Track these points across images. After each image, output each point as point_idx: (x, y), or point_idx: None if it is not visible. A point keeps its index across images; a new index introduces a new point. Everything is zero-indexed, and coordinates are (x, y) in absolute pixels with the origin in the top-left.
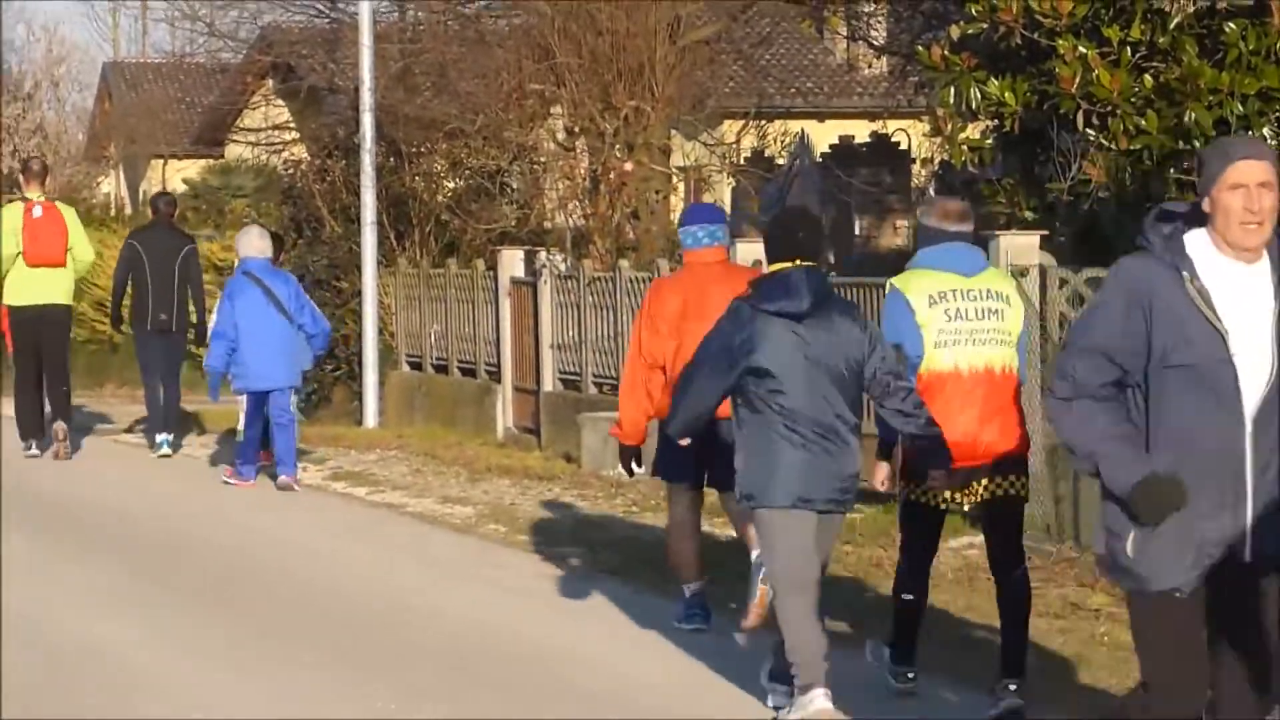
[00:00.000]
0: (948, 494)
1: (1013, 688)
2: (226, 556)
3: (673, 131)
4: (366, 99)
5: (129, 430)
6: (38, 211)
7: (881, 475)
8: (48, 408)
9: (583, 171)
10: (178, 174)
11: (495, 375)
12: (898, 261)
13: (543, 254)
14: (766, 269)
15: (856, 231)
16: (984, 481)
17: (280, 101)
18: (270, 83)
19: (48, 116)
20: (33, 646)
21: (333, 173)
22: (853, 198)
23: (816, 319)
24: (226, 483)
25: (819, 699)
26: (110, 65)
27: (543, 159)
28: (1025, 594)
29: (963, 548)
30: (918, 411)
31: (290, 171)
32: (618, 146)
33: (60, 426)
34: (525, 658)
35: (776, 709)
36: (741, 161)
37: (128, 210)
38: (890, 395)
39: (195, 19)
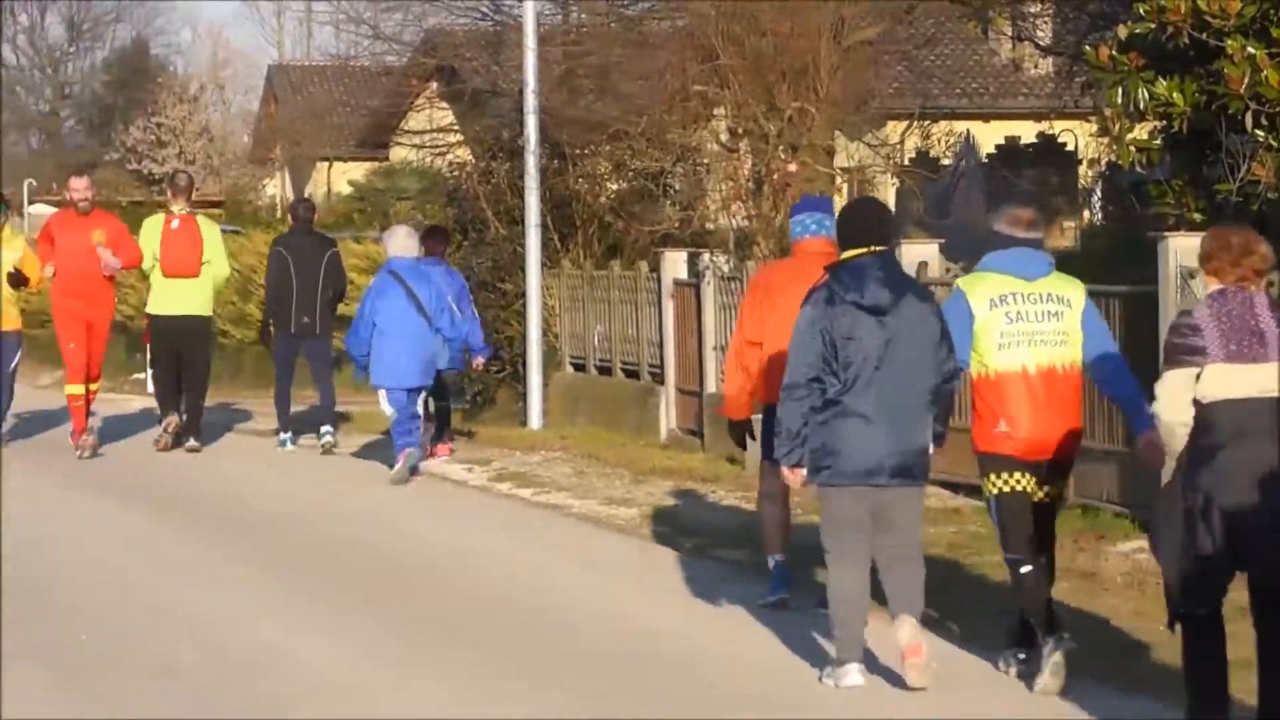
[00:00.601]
0: (1029, 478)
1: (1021, 656)
2: (394, 557)
3: (836, 132)
4: (530, 101)
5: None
6: (175, 224)
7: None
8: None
9: (746, 172)
10: (343, 176)
11: (658, 377)
12: (1063, 263)
13: (706, 255)
14: (841, 256)
15: None
16: (1045, 485)
17: (444, 104)
18: (434, 85)
19: (213, 119)
20: (205, 646)
21: (497, 175)
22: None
23: (892, 303)
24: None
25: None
26: (275, 68)
27: (706, 160)
28: (1049, 578)
29: (1131, 551)
30: (943, 418)
31: (455, 174)
32: (781, 147)
33: (173, 420)
34: (690, 661)
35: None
36: (906, 162)
37: None
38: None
39: (360, 22)
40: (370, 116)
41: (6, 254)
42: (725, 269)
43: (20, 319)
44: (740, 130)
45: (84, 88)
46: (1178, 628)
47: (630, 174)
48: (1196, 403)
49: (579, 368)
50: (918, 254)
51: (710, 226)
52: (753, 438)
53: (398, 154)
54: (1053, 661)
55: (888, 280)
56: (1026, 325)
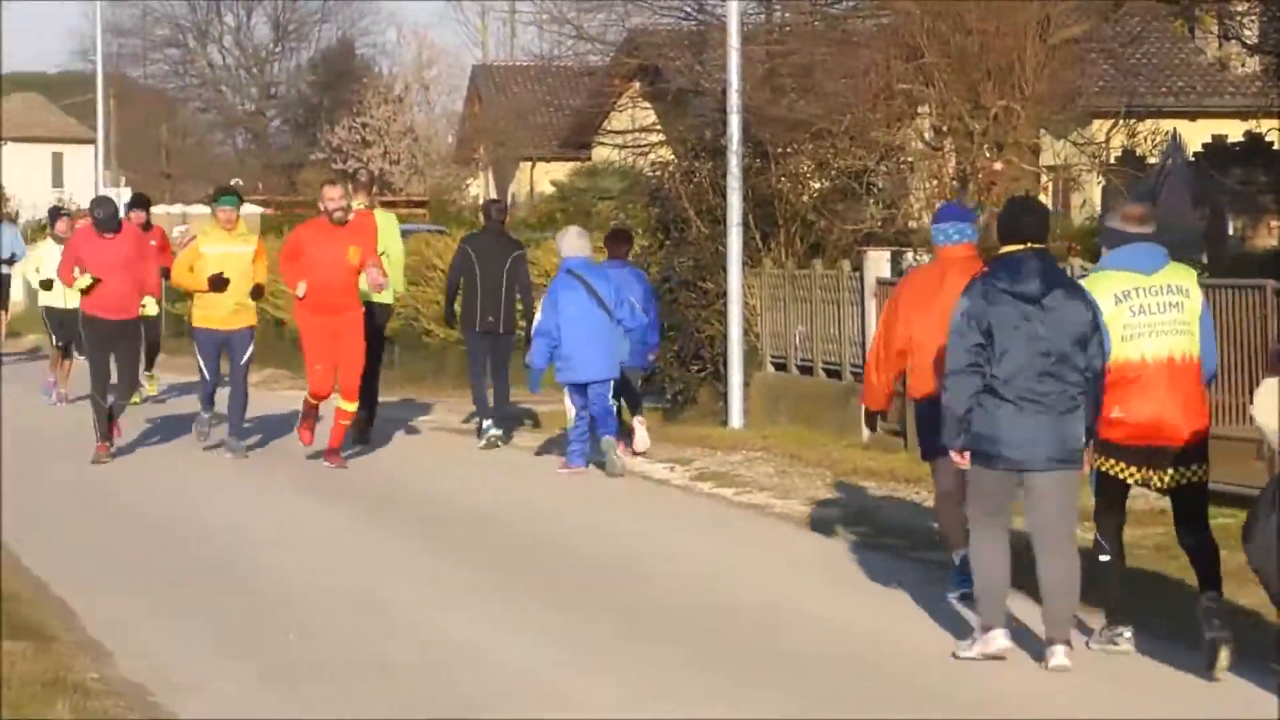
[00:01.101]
0: (1134, 469)
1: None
2: (595, 555)
3: (1041, 130)
4: (734, 100)
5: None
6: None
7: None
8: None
9: (950, 171)
10: (545, 176)
11: (861, 377)
12: (1272, 262)
13: (909, 254)
14: (1000, 252)
15: (1230, 232)
16: (1169, 470)
17: (647, 104)
18: (637, 85)
19: (417, 119)
20: (408, 640)
21: (699, 174)
22: (1225, 198)
23: (1044, 295)
24: (560, 473)
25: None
26: (479, 68)
27: (909, 159)
28: (1213, 557)
29: None
30: (1093, 408)
31: (657, 173)
32: (986, 146)
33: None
34: (895, 661)
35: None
36: (1111, 161)
37: None
38: (1089, 381)
39: (563, 22)
40: (573, 116)
41: (237, 248)
42: None
43: (254, 316)
44: (944, 128)
45: (289, 88)
46: None
47: (833, 173)
48: None
49: (780, 367)
50: None
51: (914, 225)
52: (884, 419)
53: (600, 154)
54: (1113, 647)
55: (1042, 274)
56: (1149, 318)
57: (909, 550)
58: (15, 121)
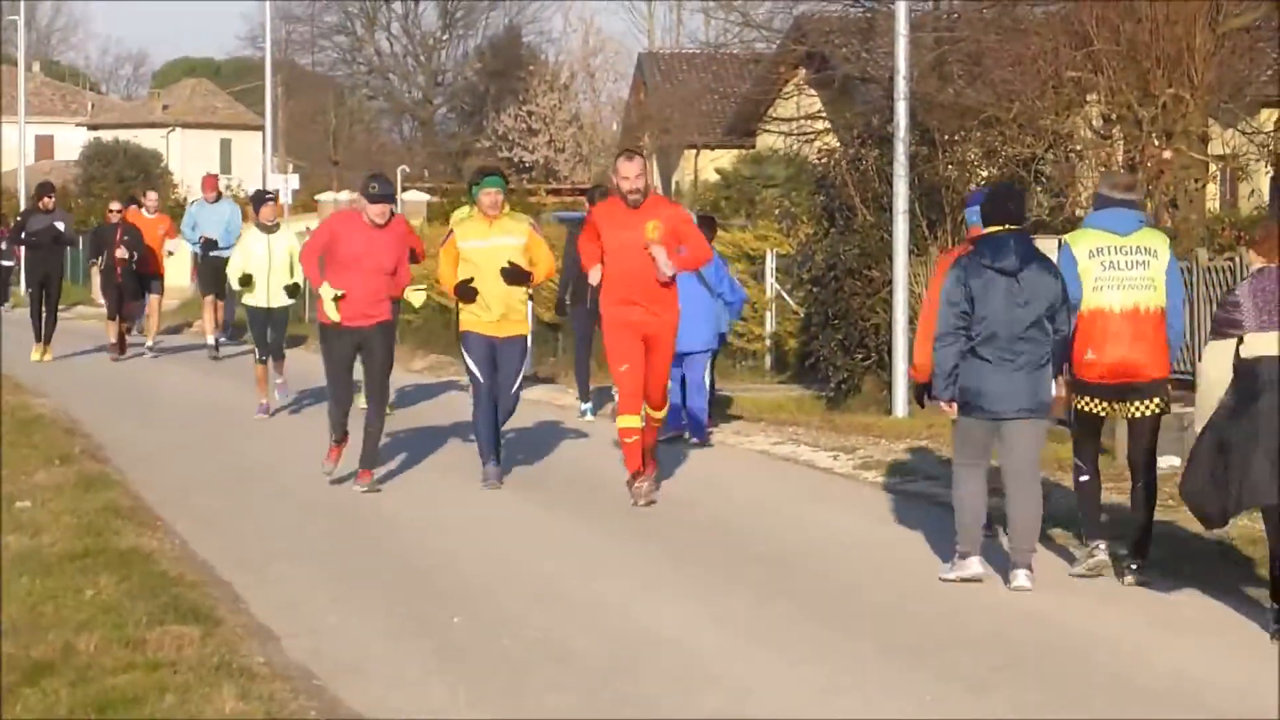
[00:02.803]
0: (1106, 404)
1: (1134, 566)
2: (768, 543)
3: (1210, 120)
4: (901, 87)
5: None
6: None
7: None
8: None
9: (1119, 159)
10: (710, 164)
11: None
12: None
13: None
14: (982, 233)
15: None
16: (1135, 404)
17: (813, 91)
18: (803, 72)
19: (583, 107)
20: (598, 632)
21: (865, 162)
22: None
23: (1020, 269)
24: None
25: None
26: (645, 55)
27: (1078, 147)
28: (1153, 490)
29: None
30: (1058, 362)
31: (823, 161)
32: (1155, 134)
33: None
34: (1067, 650)
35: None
36: None
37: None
38: (1056, 343)
39: (730, 8)
40: (738, 104)
41: (504, 240)
42: None
43: (528, 323)
44: (1114, 117)
45: (456, 75)
46: None
47: (1001, 161)
48: (1238, 359)
49: None
50: None
51: (1081, 214)
52: (929, 397)
53: (764, 141)
54: (1091, 561)
55: (1019, 251)
56: (1118, 273)
57: (1078, 540)
58: (184, 107)
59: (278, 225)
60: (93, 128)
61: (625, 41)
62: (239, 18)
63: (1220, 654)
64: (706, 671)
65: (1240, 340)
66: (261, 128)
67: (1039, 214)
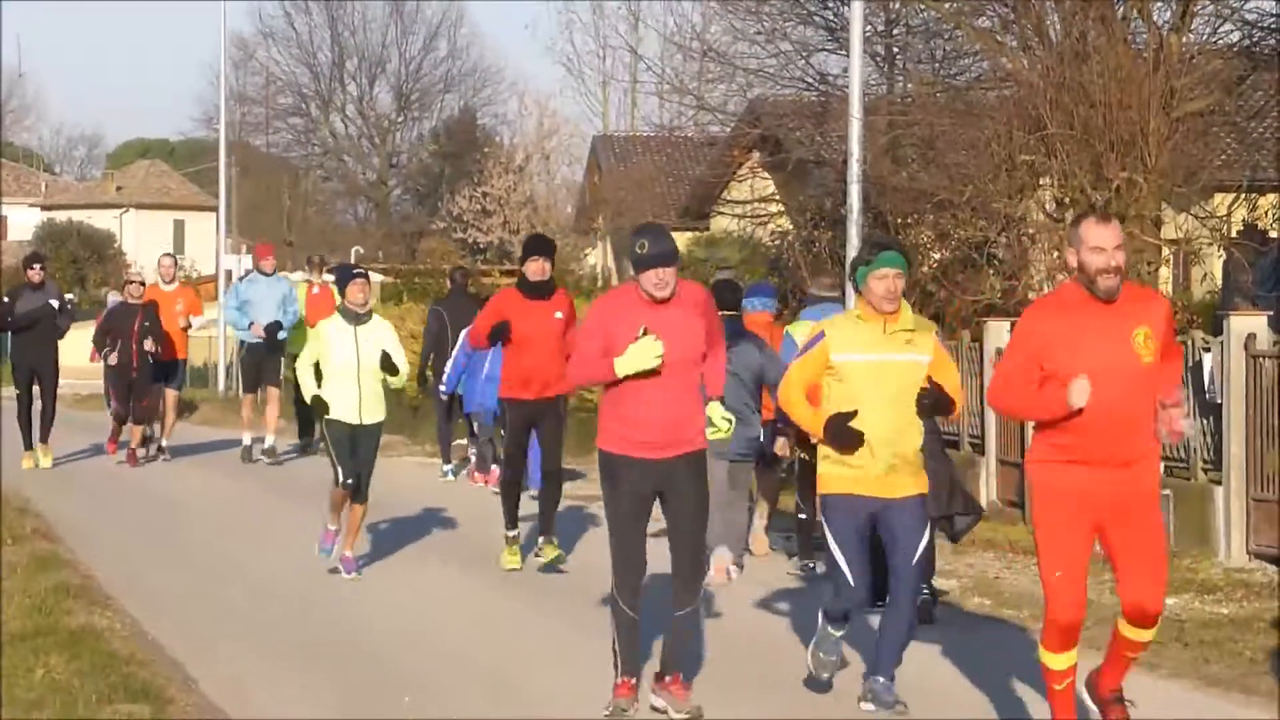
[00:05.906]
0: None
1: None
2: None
3: (1164, 204)
4: (855, 170)
5: None
6: (316, 290)
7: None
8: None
9: None
10: None
11: (979, 447)
12: None
13: None
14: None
15: None
16: None
17: (766, 174)
18: (757, 155)
19: (537, 189)
20: (537, 712)
21: (819, 244)
22: None
23: (733, 347)
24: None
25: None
26: (600, 138)
27: (1031, 230)
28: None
29: None
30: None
31: (776, 243)
32: None
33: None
34: None
35: None
36: (1233, 234)
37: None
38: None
39: (685, 93)
40: (692, 186)
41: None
42: None
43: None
44: (1067, 200)
45: (411, 157)
46: None
47: (954, 243)
48: None
49: None
50: (1246, 326)
51: (1033, 297)
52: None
53: (719, 223)
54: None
55: (731, 332)
56: None
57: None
58: (138, 188)
59: (370, 313)
60: (46, 208)
61: (580, 124)
62: (193, 99)
63: None
64: None
65: None
66: (215, 209)
67: (991, 297)
